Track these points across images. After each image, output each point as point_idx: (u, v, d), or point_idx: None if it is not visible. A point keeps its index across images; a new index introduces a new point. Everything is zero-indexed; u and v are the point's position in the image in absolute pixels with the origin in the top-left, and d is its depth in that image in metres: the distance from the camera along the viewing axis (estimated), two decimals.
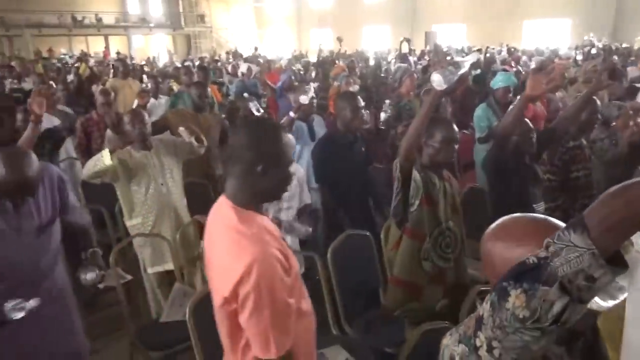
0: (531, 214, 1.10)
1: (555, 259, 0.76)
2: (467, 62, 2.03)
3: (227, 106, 6.18)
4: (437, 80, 1.90)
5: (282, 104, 6.20)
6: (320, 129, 4.11)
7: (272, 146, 1.38)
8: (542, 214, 2.84)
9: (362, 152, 3.37)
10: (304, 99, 3.90)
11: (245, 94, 4.78)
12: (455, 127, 2.36)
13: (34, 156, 2.01)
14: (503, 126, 2.74)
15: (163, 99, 5.87)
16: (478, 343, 0.85)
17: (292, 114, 3.77)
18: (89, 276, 2.23)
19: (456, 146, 2.34)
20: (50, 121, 4.19)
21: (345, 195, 3.20)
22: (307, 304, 1.48)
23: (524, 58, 10.69)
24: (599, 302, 1.05)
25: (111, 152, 2.86)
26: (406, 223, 2.33)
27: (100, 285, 3.18)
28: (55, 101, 4.63)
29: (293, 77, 7.65)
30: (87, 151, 4.47)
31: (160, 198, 3.09)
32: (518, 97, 4.31)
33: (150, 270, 3.16)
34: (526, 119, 2.97)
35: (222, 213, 1.41)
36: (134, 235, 3.08)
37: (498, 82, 4.43)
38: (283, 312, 1.31)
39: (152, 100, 5.69)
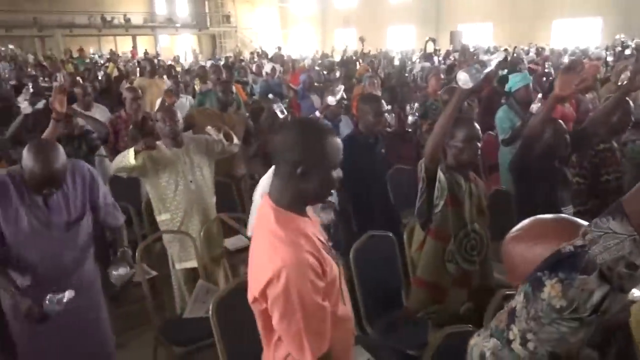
0: (551, 215, 1.07)
1: (594, 246, 0.73)
2: (493, 60, 1.99)
3: (251, 106, 6.23)
4: (463, 79, 1.87)
5: (304, 105, 6.21)
6: (347, 130, 4.08)
7: (314, 148, 1.35)
8: None
9: (382, 154, 3.36)
10: (331, 100, 3.89)
11: (270, 95, 4.78)
12: (475, 124, 2.33)
13: (61, 149, 2.06)
14: (530, 128, 2.69)
15: (184, 98, 5.94)
16: (511, 336, 0.83)
17: (317, 113, 3.77)
18: (121, 271, 2.26)
19: (479, 144, 2.31)
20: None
21: (367, 196, 3.19)
22: (344, 309, 1.45)
23: (553, 58, 10.47)
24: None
25: (137, 152, 2.91)
26: (430, 224, 2.32)
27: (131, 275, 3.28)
28: (90, 101, 4.71)
29: (312, 77, 7.66)
30: (115, 149, 4.55)
31: (188, 195, 3.13)
32: (539, 95, 4.29)
33: (177, 267, 3.21)
34: (559, 120, 2.91)
35: (264, 212, 1.41)
36: (159, 233, 3.13)
37: (516, 82, 4.38)
38: (316, 315, 1.29)
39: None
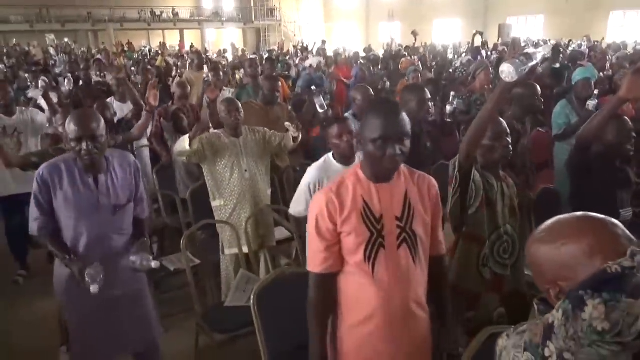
0: (576, 213, 1.02)
1: None
2: (539, 53, 1.90)
3: (293, 99, 6.28)
4: (507, 71, 1.78)
5: None
6: None
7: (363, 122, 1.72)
8: (628, 219, 2.64)
9: (429, 148, 3.30)
10: (320, 109, 3.93)
11: (313, 87, 4.76)
12: (501, 119, 2.24)
13: (99, 116, 2.21)
14: (587, 130, 2.57)
15: (226, 91, 6.03)
16: (547, 353, 0.81)
17: (347, 114, 3.75)
18: (150, 262, 2.22)
19: (509, 139, 2.23)
20: (122, 111, 4.45)
21: None
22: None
23: (610, 53, 9.98)
24: None
25: (191, 139, 3.12)
26: (463, 227, 2.24)
27: (171, 268, 3.38)
28: (124, 93, 4.83)
29: (365, 70, 7.65)
30: (162, 140, 4.68)
31: (242, 183, 3.28)
32: (596, 91, 4.11)
33: (227, 252, 3.34)
34: (625, 117, 2.76)
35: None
36: (202, 223, 3.21)
37: (576, 76, 4.32)
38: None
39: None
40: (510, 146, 2.26)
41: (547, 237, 1.00)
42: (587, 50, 10.60)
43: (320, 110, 4.19)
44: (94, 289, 2.02)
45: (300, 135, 3.50)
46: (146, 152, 4.78)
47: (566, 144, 3.97)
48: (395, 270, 1.68)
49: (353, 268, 1.69)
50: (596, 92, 4.10)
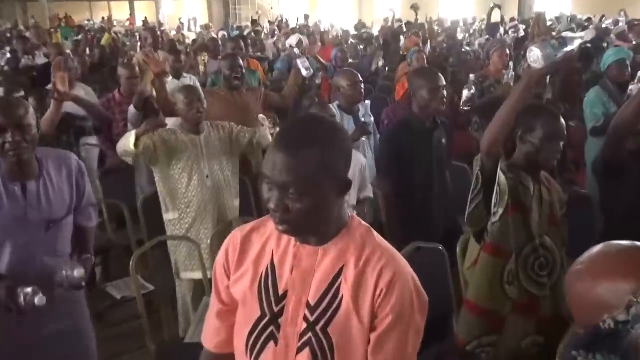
0: (627, 242, 1.02)
1: (638, 324, 0.72)
2: (577, 39, 1.94)
3: (270, 87, 6.26)
4: (534, 57, 1.83)
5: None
6: (368, 119, 3.98)
7: None
8: None
9: (443, 145, 3.32)
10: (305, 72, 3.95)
11: (299, 57, 4.72)
12: (563, 121, 2.27)
13: (26, 102, 2.19)
14: (620, 118, 2.61)
15: (187, 79, 5.97)
16: None
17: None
18: (76, 273, 2.11)
19: (562, 144, 2.25)
20: (71, 105, 4.40)
21: (421, 197, 3.19)
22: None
23: None
24: None
25: (138, 137, 3.03)
26: (486, 236, 2.28)
27: (118, 297, 3.34)
28: (74, 77, 4.81)
29: (346, 52, 7.65)
30: (108, 137, 4.64)
31: (203, 191, 3.22)
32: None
33: (183, 276, 3.29)
34: None
35: None
36: (159, 239, 3.19)
37: (608, 57, 4.34)
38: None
39: (170, 80, 5.73)
40: (559, 154, 2.28)
41: (585, 271, 1.01)
42: (625, 28, 10.76)
43: (305, 73, 4.22)
44: (39, 300, 1.96)
45: (268, 134, 3.44)
46: (94, 153, 4.73)
47: (603, 140, 4.00)
48: None
49: (237, 356, 1.46)
50: None
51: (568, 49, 1.88)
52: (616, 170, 2.74)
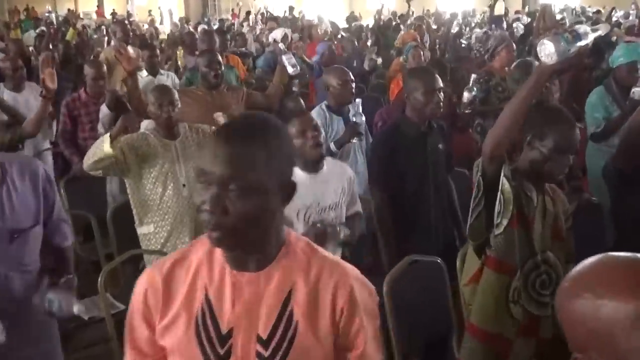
0: (631, 256, 1.01)
1: None
2: (591, 34, 1.92)
3: (254, 85, 6.27)
4: (548, 50, 1.79)
5: (320, 85, 6.23)
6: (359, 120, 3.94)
7: None
8: None
9: (439, 150, 3.34)
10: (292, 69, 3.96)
11: (284, 53, 4.73)
12: (577, 130, 2.26)
13: None
14: (632, 128, 2.64)
15: (164, 76, 5.96)
16: None
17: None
18: (65, 304, 2.16)
19: (572, 157, 2.25)
20: (16, 102, 4.38)
21: (416, 205, 3.20)
22: None
23: None
24: None
25: (113, 138, 2.97)
26: (488, 249, 2.26)
27: (85, 317, 3.31)
28: (21, 78, 4.76)
29: (334, 48, 7.65)
30: (73, 140, 4.62)
31: (179, 201, 3.19)
32: None
33: None
34: None
35: None
36: (130, 253, 3.17)
37: (618, 57, 4.29)
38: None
39: (144, 75, 5.73)
40: (568, 167, 2.26)
41: (583, 287, 0.99)
42: (636, 22, 10.90)
43: (292, 70, 4.22)
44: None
45: None
46: (49, 158, 4.70)
47: (604, 145, 4.03)
48: None
49: None
50: None
51: (582, 43, 1.84)
52: (630, 177, 2.77)
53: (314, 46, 8.67)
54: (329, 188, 2.77)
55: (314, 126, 2.73)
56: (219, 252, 1.33)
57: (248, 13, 17.18)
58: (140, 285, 1.36)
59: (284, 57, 4.32)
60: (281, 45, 6.10)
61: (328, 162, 2.91)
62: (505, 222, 2.19)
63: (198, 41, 5.51)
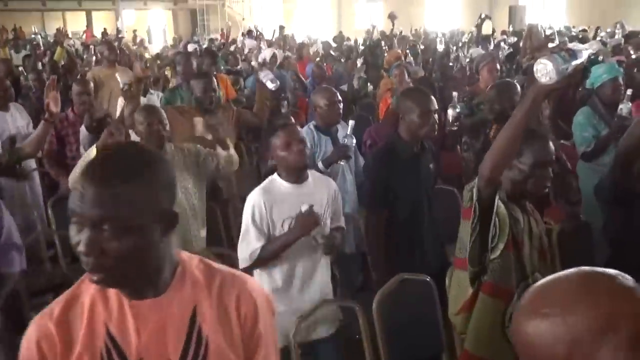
0: (579, 270, 1.02)
1: None
2: (585, 50, 1.92)
3: (243, 104, 6.27)
4: (545, 70, 1.76)
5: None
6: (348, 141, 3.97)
7: None
8: None
9: (430, 170, 3.36)
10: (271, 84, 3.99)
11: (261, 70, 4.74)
12: (550, 143, 2.29)
13: None
14: (628, 138, 2.66)
15: (154, 95, 5.97)
16: None
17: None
18: None
19: (551, 170, 2.27)
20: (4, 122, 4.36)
21: (408, 224, 3.20)
22: None
23: None
24: None
25: (99, 149, 2.93)
26: (484, 275, 2.22)
27: None
28: (7, 98, 4.74)
29: (322, 67, 7.71)
30: (59, 160, 4.60)
31: None
32: (628, 92, 4.20)
33: None
34: None
35: None
36: None
37: (600, 75, 4.30)
38: None
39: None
40: (549, 180, 2.28)
41: (541, 305, 0.99)
42: (622, 41, 11.00)
43: (272, 86, 4.24)
44: None
45: (236, 157, 3.45)
46: (36, 178, 4.67)
47: (594, 164, 4.05)
48: None
49: None
50: (629, 92, 4.13)
51: (578, 61, 1.82)
52: (625, 196, 2.79)
53: (302, 64, 8.72)
54: (313, 199, 2.77)
55: (299, 138, 2.75)
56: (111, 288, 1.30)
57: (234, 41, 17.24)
58: (30, 339, 1.28)
59: (261, 74, 4.33)
60: (253, 62, 6.12)
61: (313, 175, 2.93)
62: (501, 245, 2.17)
63: (177, 63, 5.49)
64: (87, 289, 1.32)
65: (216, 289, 1.36)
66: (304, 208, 2.62)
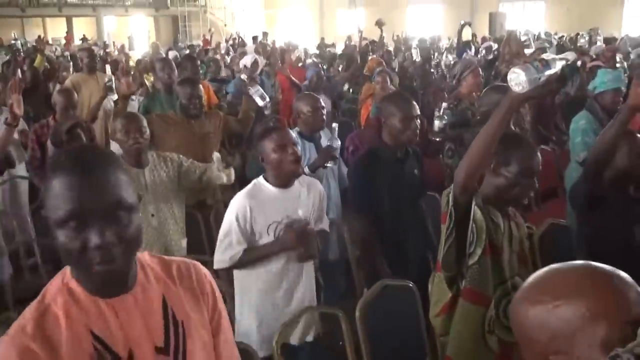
0: (577, 263, 1.07)
1: None
2: (559, 61, 1.96)
3: (225, 110, 6.26)
4: (518, 80, 1.80)
5: None
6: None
7: None
8: None
9: (416, 175, 3.36)
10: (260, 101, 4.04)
11: (252, 86, 4.74)
12: (538, 154, 2.30)
13: None
14: (598, 151, 2.69)
15: (135, 102, 5.93)
16: None
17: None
18: None
19: (536, 179, 2.28)
20: None
21: (391, 231, 3.20)
22: None
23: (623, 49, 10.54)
24: None
25: None
26: (463, 280, 2.23)
27: None
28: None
29: (321, 74, 7.70)
30: (42, 167, 4.55)
31: (148, 232, 3.11)
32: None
33: None
34: (635, 133, 2.90)
35: None
36: None
37: (604, 83, 4.27)
38: None
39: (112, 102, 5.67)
40: (534, 188, 2.29)
41: (537, 294, 1.05)
42: (603, 47, 11.15)
43: (262, 103, 4.23)
44: None
45: (233, 174, 3.44)
46: (24, 186, 4.63)
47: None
48: None
49: None
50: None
51: (551, 71, 1.86)
52: (598, 200, 2.81)
53: (300, 72, 8.66)
54: (299, 203, 2.77)
55: (293, 141, 2.74)
56: (79, 290, 1.31)
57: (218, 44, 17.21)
58: (9, 358, 1.22)
59: (251, 90, 4.31)
60: (243, 76, 6.12)
61: (300, 182, 2.91)
62: (479, 251, 2.17)
63: (162, 69, 5.44)
64: (54, 299, 1.30)
65: (176, 277, 1.44)
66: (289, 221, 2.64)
